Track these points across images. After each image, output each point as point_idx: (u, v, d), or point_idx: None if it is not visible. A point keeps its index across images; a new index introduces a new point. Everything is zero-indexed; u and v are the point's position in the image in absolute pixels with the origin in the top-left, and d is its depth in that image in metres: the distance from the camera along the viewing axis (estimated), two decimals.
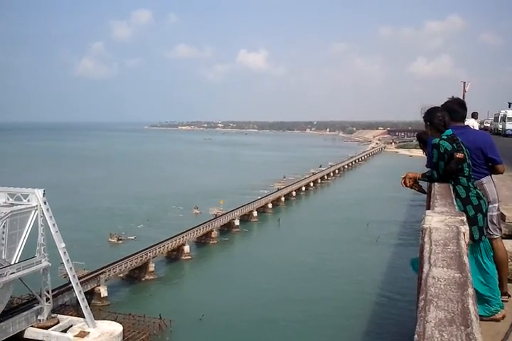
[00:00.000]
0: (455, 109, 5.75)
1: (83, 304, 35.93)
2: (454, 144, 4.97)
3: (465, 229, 3.15)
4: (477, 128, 22.65)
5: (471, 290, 2.11)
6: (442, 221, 3.32)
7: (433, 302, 2.01)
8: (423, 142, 6.44)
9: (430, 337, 1.74)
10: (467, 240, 3.15)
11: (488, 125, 57.69)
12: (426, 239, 2.92)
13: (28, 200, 35.75)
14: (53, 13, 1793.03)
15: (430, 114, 5.28)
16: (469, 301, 1.99)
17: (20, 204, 35.52)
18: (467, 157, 5.03)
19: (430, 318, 1.87)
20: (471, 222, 4.80)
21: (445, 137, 5.06)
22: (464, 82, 50.61)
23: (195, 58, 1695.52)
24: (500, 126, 46.89)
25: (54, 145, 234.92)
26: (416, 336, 1.77)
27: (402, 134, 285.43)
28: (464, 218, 3.47)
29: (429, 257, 2.56)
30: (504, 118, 45.77)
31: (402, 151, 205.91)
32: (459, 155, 4.90)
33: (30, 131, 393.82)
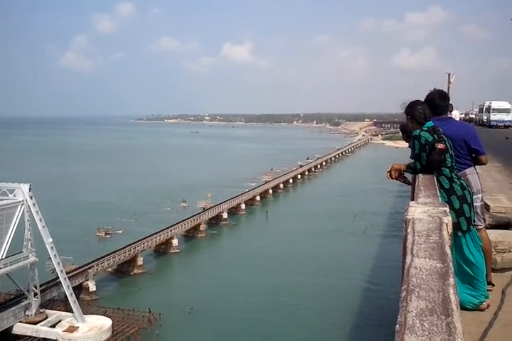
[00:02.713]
0: (437, 102, 5.76)
1: (71, 299, 35.76)
2: (435, 135, 5.01)
3: (448, 219, 3.17)
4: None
5: (452, 280, 2.14)
6: (425, 212, 3.34)
7: (414, 292, 2.03)
8: (407, 133, 6.48)
9: (411, 326, 1.75)
10: (450, 231, 3.17)
11: (473, 116, 58.18)
12: (409, 230, 2.93)
13: (14, 195, 35.35)
14: (35, 6, 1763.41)
15: (411, 108, 5.34)
16: (450, 291, 2.02)
17: (6, 199, 35.12)
18: (449, 148, 5.07)
19: (411, 308, 1.89)
20: (458, 213, 4.86)
21: (426, 128, 5.10)
22: (449, 74, 50.74)
23: (180, 51, 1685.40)
24: (485, 117, 47.47)
25: (41, 140, 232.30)
26: (397, 326, 1.78)
27: (388, 126, 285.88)
28: (447, 209, 3.49)
29: (412, 248, 2.58)
30: (489, 110, 46.28)
31: (388, 143, 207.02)
32: (440, 145, 4.94)
33: (15, 126, 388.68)
